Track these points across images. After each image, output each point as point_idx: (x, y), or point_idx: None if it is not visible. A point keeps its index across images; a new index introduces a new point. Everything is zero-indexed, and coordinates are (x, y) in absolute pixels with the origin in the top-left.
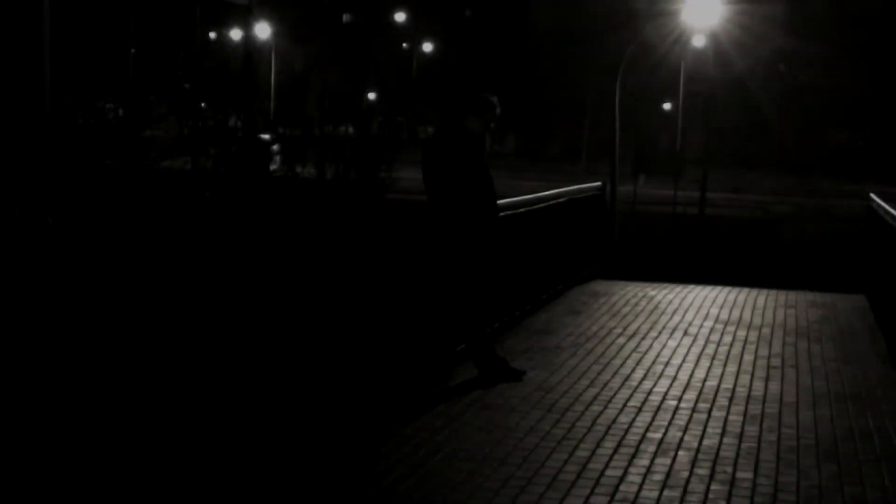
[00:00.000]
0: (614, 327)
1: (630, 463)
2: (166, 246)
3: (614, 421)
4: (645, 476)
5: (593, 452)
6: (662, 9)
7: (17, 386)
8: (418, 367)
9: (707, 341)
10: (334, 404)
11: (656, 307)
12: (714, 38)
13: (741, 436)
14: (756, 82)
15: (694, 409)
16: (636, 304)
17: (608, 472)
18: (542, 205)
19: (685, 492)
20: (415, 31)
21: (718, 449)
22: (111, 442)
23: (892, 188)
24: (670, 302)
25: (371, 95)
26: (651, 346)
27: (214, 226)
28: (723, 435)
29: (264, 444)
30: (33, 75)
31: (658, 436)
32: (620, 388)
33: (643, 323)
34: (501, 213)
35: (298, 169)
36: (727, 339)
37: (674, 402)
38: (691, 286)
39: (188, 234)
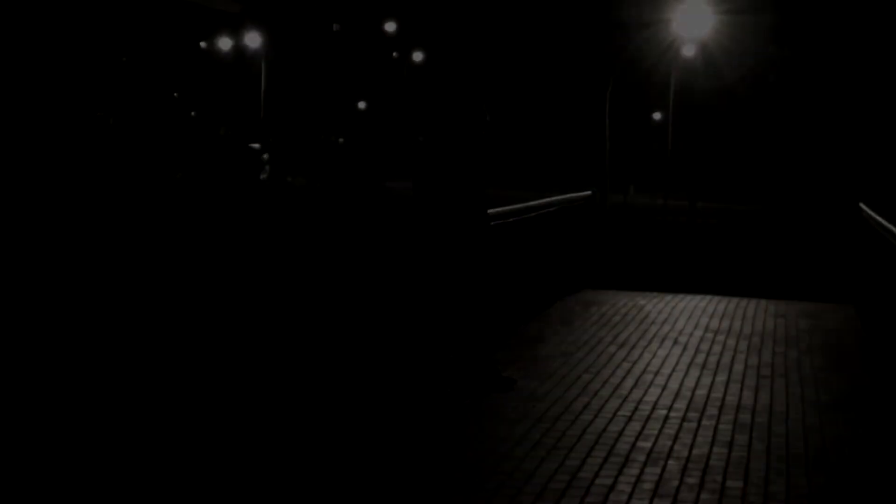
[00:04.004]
0: (604, 337)
1: (620, 472)
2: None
3: (604, 430)
4: (635, 485)
5: (583, 462)
6: (652, 19)
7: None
8: (410, 376)
9: (697, 350)
10: (327, 413)
11: (646, 317)
12: (704, 48)
13: (731, 445)
14: (746, 92)
15: (684, 419)
16: (626, 314)
17: (598, 482)
18: (532, 214)
19: (675, 501)
20: (405, 40)
21: (708, 458)
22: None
23: (883, 197)
24: (660, 311)
25: (361, 104)
26: (641, 355)
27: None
28: (712, 444)
29: (268, 449)
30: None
31: (648, 445)
32: (610, 397)
33: (633, 332)
34: (492, 223)
35: (289, 178)
36: (717, 348)
37: (664, 412)
38: (681, 295)
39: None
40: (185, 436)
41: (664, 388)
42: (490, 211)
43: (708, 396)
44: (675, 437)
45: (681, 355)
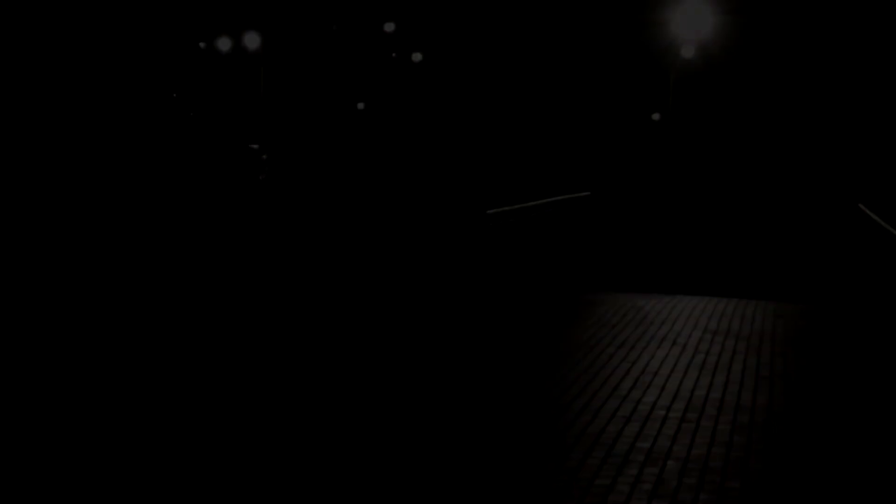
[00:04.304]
0: (603, 337)
1: (619, 472)
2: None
3: (603, 431)
4: (634, 485)
5: (582, 462)
6: (652, 19)
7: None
8: (409, 374)
9: (696, 351)
10: (321, 413)
11: (645, 317)
12: (704, 48)
13: (730, 445)
14: (742, 90)
15: (683, 419)
16: (625, 315)
17: (597, 482)
18: (532, 214)
19: (674, 501)
20: (405, 40)
21: (707, 458)
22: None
23: (883, 197)
24: (659, 312)
25: (360, 105)
26: (640, 356)
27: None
28: (711, 444)
29: (264, 447)
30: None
31: (647, 445)
32: (609, 397)
33: (632, 333)
34: (492, 223)
35: (288, 178)
36: (716, 348)
37: (662, 412)
38: (680, 296)
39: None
40: (194, 428)
41: (663, 388)
42: (490, 211)
43: (707, 397)
44: (674, 438)
45: (679, 356)
